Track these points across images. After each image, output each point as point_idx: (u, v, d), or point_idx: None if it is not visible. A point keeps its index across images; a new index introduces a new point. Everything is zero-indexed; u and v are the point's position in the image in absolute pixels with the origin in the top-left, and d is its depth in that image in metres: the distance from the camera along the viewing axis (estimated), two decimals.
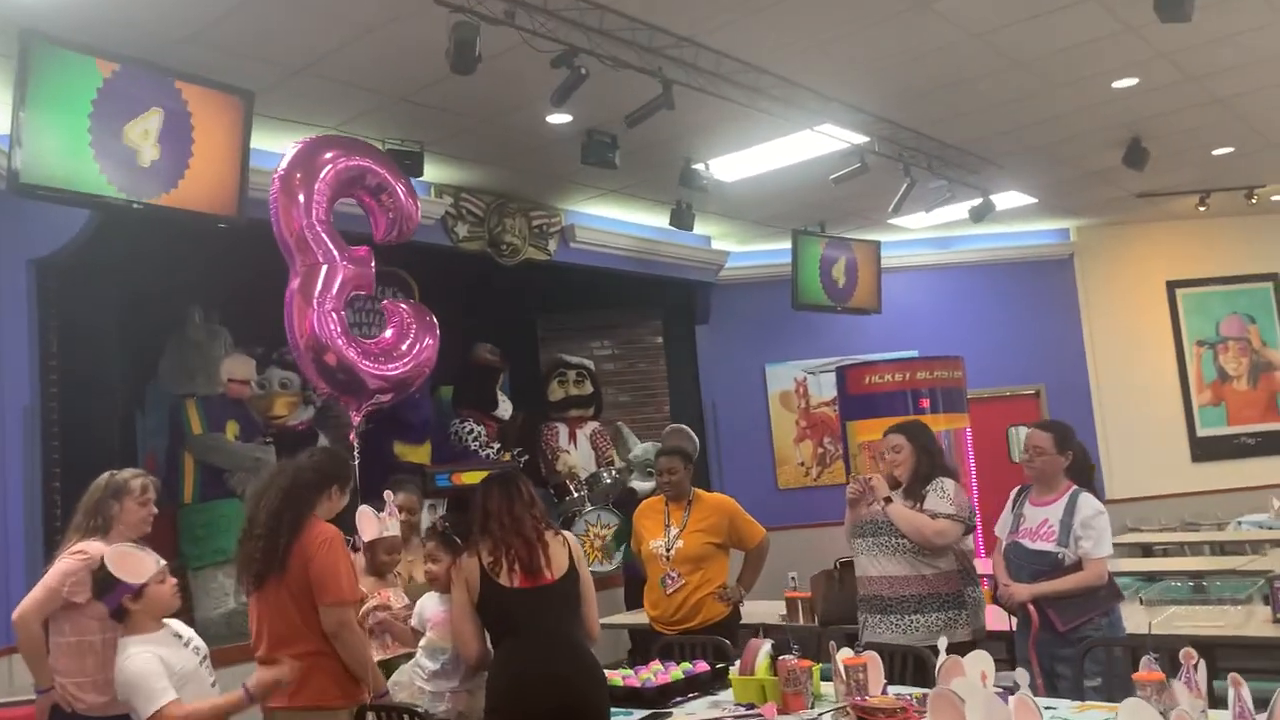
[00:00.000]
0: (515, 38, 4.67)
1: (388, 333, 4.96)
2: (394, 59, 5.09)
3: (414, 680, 3.49)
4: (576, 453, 8.45)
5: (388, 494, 4.08)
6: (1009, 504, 4.05)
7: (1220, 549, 7.78)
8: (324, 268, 4.66)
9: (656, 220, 8.25)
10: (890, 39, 5.35)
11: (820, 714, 3.06)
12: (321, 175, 4.70)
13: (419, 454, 7.49)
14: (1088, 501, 3.80)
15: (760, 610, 5.46)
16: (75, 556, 3.53)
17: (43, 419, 5.46)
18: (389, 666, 3.81)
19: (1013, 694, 2.64)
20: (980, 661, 3.00)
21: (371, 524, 4.00)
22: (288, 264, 4.77)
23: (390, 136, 6.01)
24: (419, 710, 3.26)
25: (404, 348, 4.89)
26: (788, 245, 8.82)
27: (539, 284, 8.12)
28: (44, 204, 4.59)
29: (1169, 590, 4.75)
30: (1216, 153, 8.04)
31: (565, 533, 3.38)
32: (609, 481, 8.12)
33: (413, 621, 3.62)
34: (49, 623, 3.56)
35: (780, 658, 3.27)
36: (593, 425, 8.63)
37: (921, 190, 7.41)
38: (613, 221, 8.31)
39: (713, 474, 9.13)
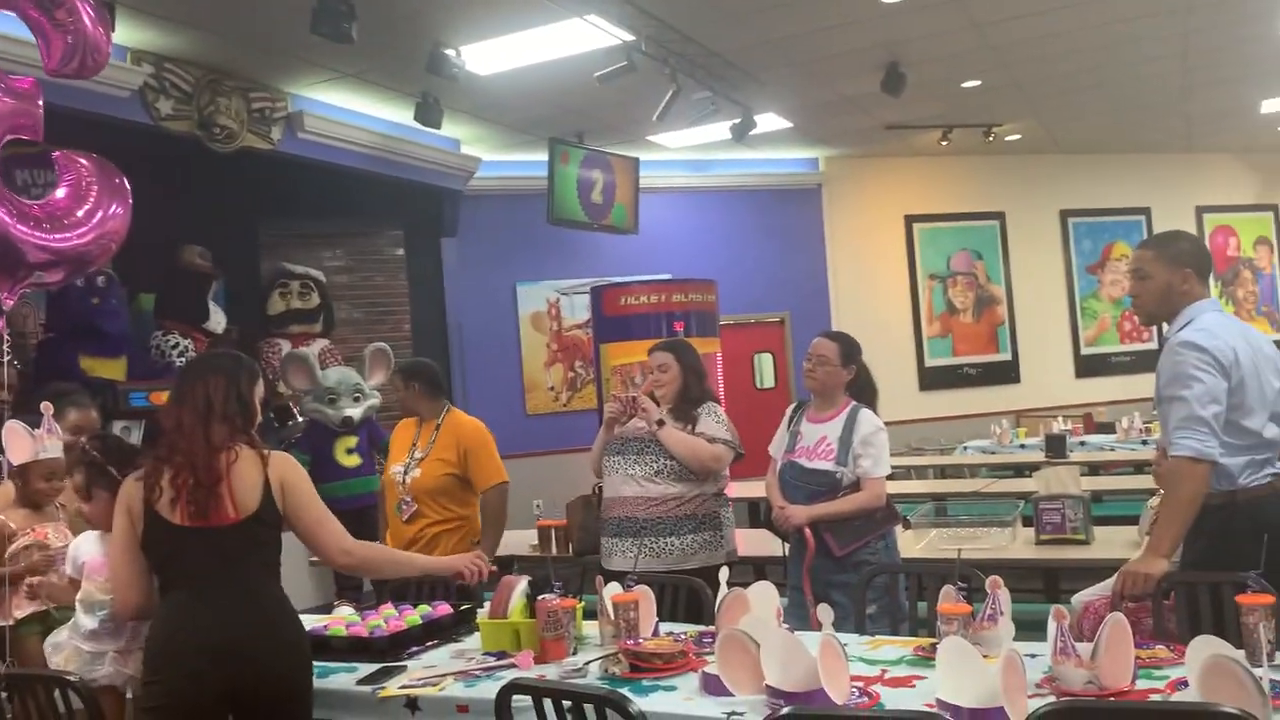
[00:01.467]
0: None
1: (60, 192, 3.87)
2: None
3: (72, 640, 2.74)
4: None
5: (45, 406, 3.24)
6: (784, 421, 3.76)
7: (942, 472, 8.07)
8: None
9: (399, 115, 7.45)
10: None
11: (586, 663, 2.60)
12: None
13: (112, 369, 6.41)
14: (867, 418, 3.55)
15: (509, 541, 4.95)
16: None
17: None
18: (46, 623, 3.07)
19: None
20: (767, 596, 2.64)
21: (24, 443, 3.18)
22: None
23: None
24: (71, 678, 2.53)
25: (81, 214, 3.81)
26: (543, 157, 8.28)
27: (261, 181, 7.11)
28: None
29: (932, 514, 4.68)
30: (966, 85, 8.18)
31: (276, 453, 2.64)
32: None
33: (66, 568, 2.84)
34: None
35: (540, 597, 2.78)
36: (322, 343, 7.78)
37: (685, 103, 7.09)
38: (348, 113, 7.40)
39: (457, 399, 8.53)
